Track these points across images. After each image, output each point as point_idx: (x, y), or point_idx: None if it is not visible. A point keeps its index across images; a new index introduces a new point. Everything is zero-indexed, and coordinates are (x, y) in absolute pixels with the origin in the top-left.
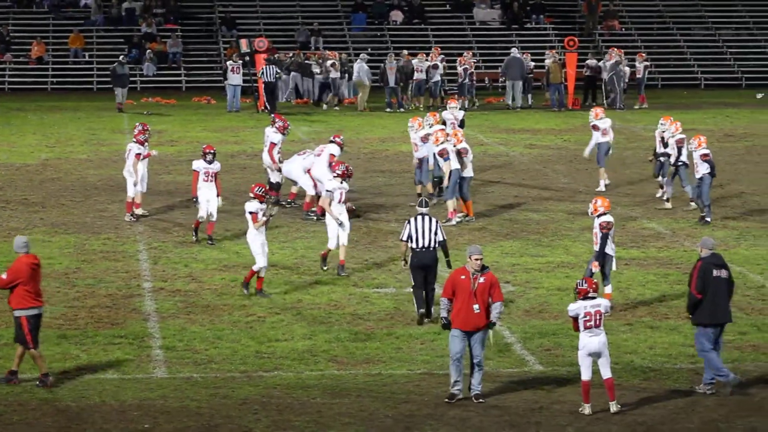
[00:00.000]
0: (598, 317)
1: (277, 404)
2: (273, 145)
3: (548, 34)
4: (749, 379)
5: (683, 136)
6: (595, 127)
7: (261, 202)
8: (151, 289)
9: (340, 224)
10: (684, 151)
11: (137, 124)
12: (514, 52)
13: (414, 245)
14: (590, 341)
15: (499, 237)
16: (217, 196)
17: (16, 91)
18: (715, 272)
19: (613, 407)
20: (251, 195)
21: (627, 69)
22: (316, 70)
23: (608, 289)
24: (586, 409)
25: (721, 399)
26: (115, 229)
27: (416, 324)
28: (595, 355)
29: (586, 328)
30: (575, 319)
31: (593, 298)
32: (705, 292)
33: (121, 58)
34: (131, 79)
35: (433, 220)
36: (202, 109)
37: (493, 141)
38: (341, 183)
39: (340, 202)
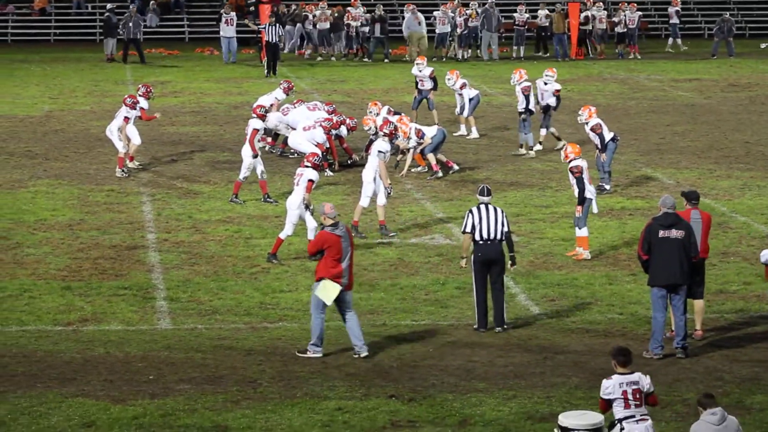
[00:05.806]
0: None
1: (281, 355)
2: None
3: None
4: (755, 329)
5: (529, 84)
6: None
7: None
8: (155, 241)
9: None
10: (531, 99)
11: (140, 86)
12: (489, 3)
13: (477, 237)
14: None
15: (503, 186)
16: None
17: (19, 42)
18: (661, 233)
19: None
20: (307, 163)
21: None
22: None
23: (584, 232)
24: None
25: (725, 351)
26: (119, 180)
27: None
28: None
29: None
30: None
31: None
32: (651, 252)
33: (109, 6)
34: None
35: (498, 210)
36: (206, 60)
37: (496, 91)
38: (390, 143)
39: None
